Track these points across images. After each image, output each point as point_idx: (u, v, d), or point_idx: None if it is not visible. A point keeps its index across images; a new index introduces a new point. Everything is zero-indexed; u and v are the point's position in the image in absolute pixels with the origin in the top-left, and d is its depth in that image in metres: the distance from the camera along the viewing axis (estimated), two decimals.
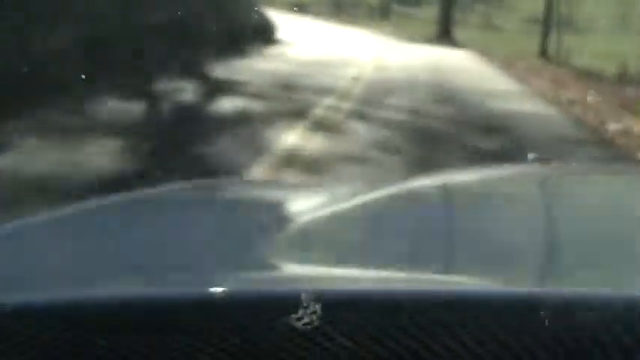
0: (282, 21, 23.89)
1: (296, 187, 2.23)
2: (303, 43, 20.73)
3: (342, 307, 1.02)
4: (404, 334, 1.00)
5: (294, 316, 1.00)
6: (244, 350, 1.00)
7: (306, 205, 1.82)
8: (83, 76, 9.35)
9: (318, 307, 1.00)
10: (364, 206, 1.73)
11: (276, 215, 1.73)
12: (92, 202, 1.85)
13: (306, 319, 1.00)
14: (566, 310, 0.99)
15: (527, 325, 0.99)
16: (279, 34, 21.67)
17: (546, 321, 0.99)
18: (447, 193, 1.94)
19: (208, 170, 7.07)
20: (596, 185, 2.05)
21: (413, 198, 1.87)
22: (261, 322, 1.01)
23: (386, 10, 31.54)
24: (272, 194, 2.05)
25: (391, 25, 29.97)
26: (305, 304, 1.01)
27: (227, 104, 10.22)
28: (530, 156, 2.36)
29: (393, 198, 1.85)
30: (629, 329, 0.98)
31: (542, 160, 2.35)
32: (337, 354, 1.00)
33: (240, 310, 1.02)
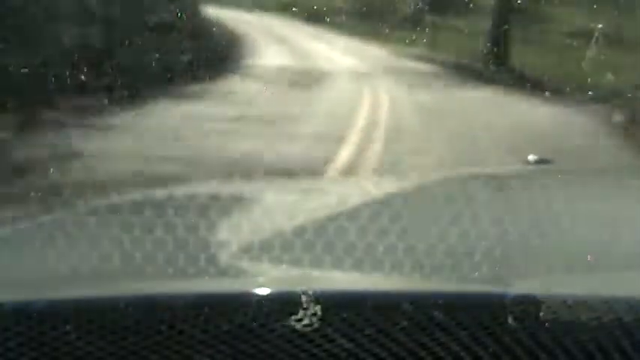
0: (283, 33, 17.12)
1: (294, 188, 2.23)
2: (260, 86, 11.32)
3: (341, 308, 1.02)
4: (403, 334, 1.00)
5: (294, 317, 1.01)
6: (244, 352, 1.01)
7: (304, 206, 1.82)
8: None
9: (317, 308, 1.01)
10: (362, 208, 1.74)
11: (275, 216, 1.74)
12: (90, 205, 1.87)
13: (305, 321, 1.01)
14: (566, 311, 1.00)
15: (526, 326, 0.99)
16: (257, 55, 13.79)
17: (546, 323, 0.99)
18: (446, 194, 1.93)
19: None
20: (596, 188, 2.05)
21: (412, 200, 1.88)
22: (261, 323, 1.01)
23: (419, 22, 20.12)
24: (271, 195, 2.05)
25: (426, 41, 18.87)
26: (305, 306, 1.01)
27: None
28: (531, 157, 2.35)
29: (391, 200, 1.85)
30: (629, 331, 0.98)
31: (542, 161, 2.34)
32: (337, 355, 1.01)
33: (240, 311, 1.03)
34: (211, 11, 16.11)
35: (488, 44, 18.42)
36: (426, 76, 13.62)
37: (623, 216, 1.62)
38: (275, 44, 16.04)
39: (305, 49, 16.26)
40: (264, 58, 13.48)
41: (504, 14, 19.29)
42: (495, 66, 16.57)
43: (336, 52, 16.21)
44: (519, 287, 1.09)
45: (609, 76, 11.90)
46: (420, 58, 16.20)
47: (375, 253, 1.31)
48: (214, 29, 14.58)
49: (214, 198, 1.96)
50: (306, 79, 11.98)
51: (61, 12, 10.59)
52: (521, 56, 16.54)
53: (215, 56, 12.28)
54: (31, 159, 7.21)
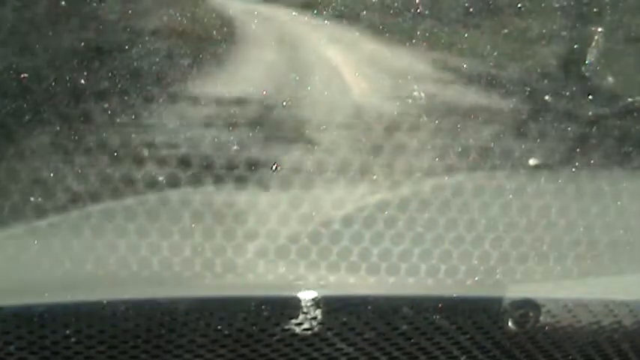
0: (295, 34, 14.52)
1: (292, 189, 2.23)
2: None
3: (342, 312, 1.02)
4: (403, 339, 1.00)
5: (294, 321, 1.01)
6: (244, 355, 1.01)
7: (302, 210, 1.82)
8: None
9: (318, 312, 1.01)
10: (357, 213, 1.73)
11: (270, 222, 1.74)
12: (89, 208, 1.87)
13: (306, 325, 1.01)
14: (567, 315, 0.99)
15: (526, 330, 0.99)
16: (232, 72, 4.72)
17: (546, 326, 0.99)
18: (441, 199, 1.92)
19: None
20: (593, 192, 2.02)
21: (411, 202, 1.86)
22: (262, 327, 1.02)
23: (474, 22, 13.64)
24: (269, 197, 2.05)
25: (483, 49, 13.06)
26: (305, 310, 1.01)
27: None
28: (532, 161, 2.33)
29: (390, 202, 1.84)
30: (629, 334, 0.97)
31: (543, 165, 2.32)
32: (337, 359, 1.00)
33: (240, 315, 1.03)
34: (227, 4, 14.73)
35: (576, 64, 13.24)
36: (493, 127, 4.61)
37: (620, 220, 1.61)
38: (274, 51, 12.87)
39: (309, 62, 12.04)
40: (231, 81, 5.96)
41: (586, 17, 13.98)
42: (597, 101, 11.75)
43: (351, 67, 11.81)
44: (518, 291, 1.09)
45: None
46: (477, 78, 10.95)
47: (370, 257, 1.31)
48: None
49: (208, 204, 1.95)
50: (254, 153, 2.82)
51: None
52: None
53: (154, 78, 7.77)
54: None
